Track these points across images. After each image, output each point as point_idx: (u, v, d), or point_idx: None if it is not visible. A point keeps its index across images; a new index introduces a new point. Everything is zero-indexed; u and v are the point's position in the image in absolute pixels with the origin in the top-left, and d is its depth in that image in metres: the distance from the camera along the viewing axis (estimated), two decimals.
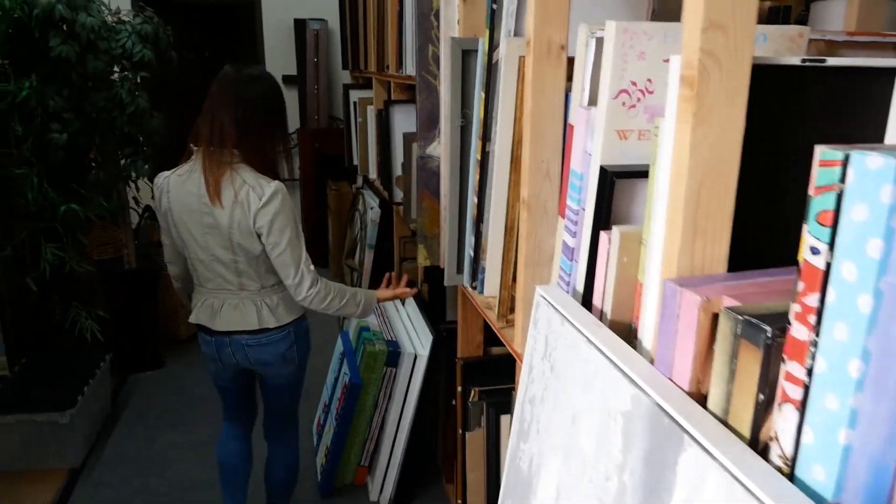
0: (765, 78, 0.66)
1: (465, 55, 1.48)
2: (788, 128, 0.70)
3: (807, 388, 0.50)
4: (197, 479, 2.71)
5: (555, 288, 0.96)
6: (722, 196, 0.67)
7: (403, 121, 2.74)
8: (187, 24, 4.77)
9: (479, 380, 1.77)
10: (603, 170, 0.86)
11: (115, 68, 3.20)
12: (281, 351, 1.96)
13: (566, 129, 1.09)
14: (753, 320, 0.56)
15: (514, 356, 1.26)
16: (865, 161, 0.44)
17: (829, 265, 0.47)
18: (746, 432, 0.57)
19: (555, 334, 0.89)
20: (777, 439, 0.53)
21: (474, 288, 1.54)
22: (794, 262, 0.71)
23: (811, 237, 0.48)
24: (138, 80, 3.20)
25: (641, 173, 0.83)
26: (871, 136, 0.70)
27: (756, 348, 0.55)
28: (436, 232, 1.86)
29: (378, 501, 2.49)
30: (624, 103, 0.85)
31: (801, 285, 0.50)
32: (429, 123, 1.80)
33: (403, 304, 2.59)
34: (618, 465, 0.69)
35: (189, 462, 2.83)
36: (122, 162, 3.36)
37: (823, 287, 0.48)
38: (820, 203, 0.47)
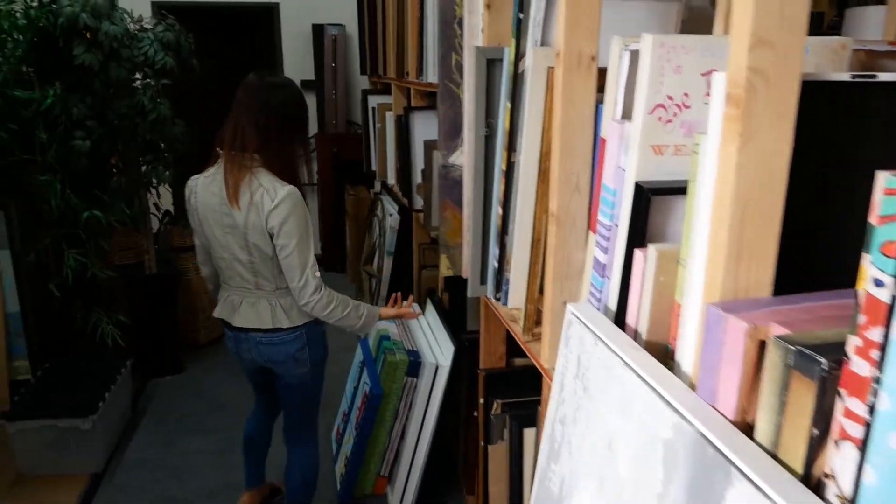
0: (812, 95, 0.64)
1: (490, 64, 1.46)
2: (835, 147, 0.68)
3: (868, 426, 0.48)
4: (215, 487, 2.71)
5: (587, 306, 0.94)
6: (768, 218, 0.64)
7: (424, 127, 2.73)
8: (206, 30, 4.80)
9: (501, 392, 1.74)
10: (639, 186, 0.84)
11: (138, 76, 3.22)
12: (292, 351, 2.02)
13: (596, 142, 1.07)
14: (807, 351, 0.53)
15: (541, 371, 1.24)
16: None
17: (895, 298, 0.45)
18: (798, 467, 0.55)
19: (588, 354, 0.87)
20: (834, 477, 0.51)
21: (498, 299, 1.52)
22: (839, 286, 0.69)
23: (874, 268, 0.46)
24: (160, 88, 3.21)
25: (679, 190, 0.81)
26: None
27: (810, 381, 0.53)
28: (459, 242, 1.84)
29: None
30: (660, 118, 0.83)
31: (862, 318, 0.47)
32: (452, 132, 1.78)
33: (424, 312, 2.58)
34: (658, 494, 0.67)
35: (208, 469, 2.84)
36: (143, 168, 3.38)
37: (888, 321, 0.45)
38: (885, 233, 0.45)
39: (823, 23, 1.58)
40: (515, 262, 1.39)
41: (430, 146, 2.34)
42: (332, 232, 5.20)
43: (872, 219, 0.46)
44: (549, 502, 0.96)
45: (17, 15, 2.79)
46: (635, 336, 0.87)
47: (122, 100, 3.04)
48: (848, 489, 0.50)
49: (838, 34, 1.33)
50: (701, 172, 0.71)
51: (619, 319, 0.90)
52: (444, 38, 1.83)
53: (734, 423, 0.62)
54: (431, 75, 2.47)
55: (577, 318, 0.91)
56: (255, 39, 5.43)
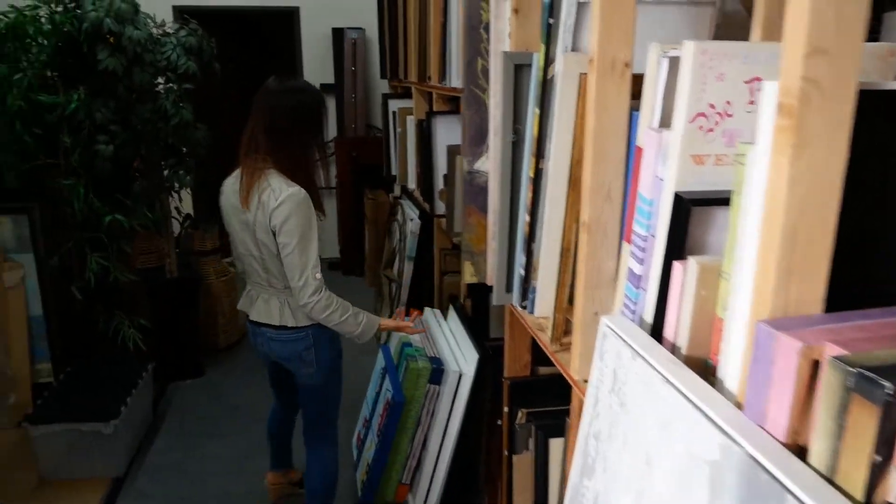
0: (868, 104, 0.61)
1: (517, 70, 1.44)
2: (892, 157, 0.65)
3: None
4: (236, 492, 2.71)
5: (623, 319, 0.92)
6: (821, 232, 0.62)
7: (446, 132, 2.71)
8: (227, 34, 4.83)
9: (526, 401, 1.72)
10: (678, 196, 0.81)
11: (160, 80, 3.23)
12: (298, 350, 2.07)
13: (630, 151, 1.04)
14: (869, 374, 0.51)
15: (571, 382, 1.22)
16: None
17: None
18: (859, 495, 0.52)
19: (624, 369, 0.84)
20: None
21: (524, 308, 1.49)
22: (894, 303, 0.66)
23: None
24: (182, 92, 3.23)
25: (720, 201, 0.79)
26: None
27: (872, 405, 0.51)
28: (483, 248, 1.82)
29: None
30: (701, 127, 0.81)
31: None
32: (477, 138, 1.76)
33: (446, 318, 2.56)
34: None
35: (228, 474, 2.84)
36: (165, 172, 3.40)
37: None
38: None
39: None
40: (543, 270, 1.37)
41: (453, 151, 2.32)
42: (351, 236, 5.20)
43: None
44: None
45: (42, 20, 2.82)
46: (673, 350, 0.84)
47: (144, 104, 3.06)
48: None
49: (877, 40, 1.29)
50: (748, 184, 0.68)
51: (656, 332, 0.88)
52: (469, 42, 1.81)
53: (786, 446, 0.60)
54: (455, 80, 2.46)
55: (614, 331, 0.88)
56: (276, 43, 5.46)
